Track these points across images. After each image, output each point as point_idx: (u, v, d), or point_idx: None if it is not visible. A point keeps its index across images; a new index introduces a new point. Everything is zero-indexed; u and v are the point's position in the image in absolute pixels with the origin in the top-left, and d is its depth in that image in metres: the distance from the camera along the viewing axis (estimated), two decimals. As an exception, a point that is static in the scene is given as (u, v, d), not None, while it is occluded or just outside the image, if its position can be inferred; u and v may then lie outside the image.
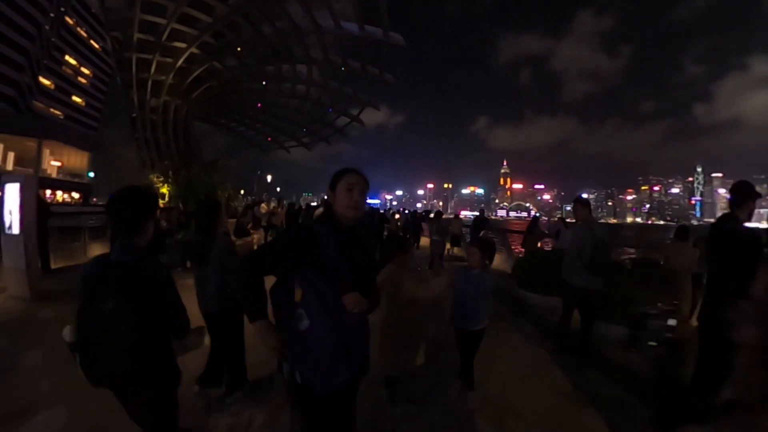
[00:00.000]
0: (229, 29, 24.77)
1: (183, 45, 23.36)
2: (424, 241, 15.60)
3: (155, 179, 21.19)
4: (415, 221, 16.39)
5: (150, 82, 23.16)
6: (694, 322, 5.37)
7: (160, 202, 20.42)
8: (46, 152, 55.97)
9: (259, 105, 32.72)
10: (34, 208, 6.69)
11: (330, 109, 34.19)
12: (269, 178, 55.40)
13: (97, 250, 11.02)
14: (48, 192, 55.42)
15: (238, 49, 24.99)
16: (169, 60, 22.97)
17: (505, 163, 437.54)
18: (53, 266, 8.92)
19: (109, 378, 1.81)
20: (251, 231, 12.36)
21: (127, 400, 1.92)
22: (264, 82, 29.08)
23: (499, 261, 12.21)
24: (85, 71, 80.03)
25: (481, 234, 13.25)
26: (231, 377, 3.35)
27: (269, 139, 43.21)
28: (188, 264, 8.77)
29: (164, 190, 20.50)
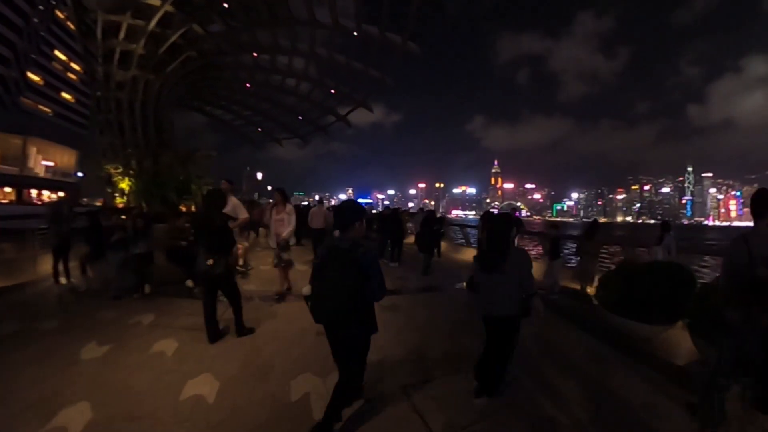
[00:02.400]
0: (215, -23, 20.03)
1: (157, 1, 18.07)
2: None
3: (112, 171, 17.19)
4: (432, 222, 13.10)
5: (118, 52, 18.37)
6: None
7: (118, 200, 17.26)
8: (33, 150, 54.87)
9: (248, 85, 27.00)
10: None
11: (333, 91, 28.16)
12: (260, 175, 53.40)
13: (50, 263, 8.53)
14: (34, 191, 54.38)
15: (225, 5, 19.44)
16: (140, 23, 18.08)
17: (496, 163, 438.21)
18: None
19: (326, 318, 2.93)
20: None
21: (335, 336, 3.04)
22: (255, 54, 23.14)
23: (539, 272, 11.56)
24: (76, 67, 78.50)
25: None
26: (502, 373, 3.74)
27: (260, 130, 37.12)
28: (147, 289, 7.22)
29: (123, 185, 16.53)
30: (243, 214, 6.93)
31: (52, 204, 8.81)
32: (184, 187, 12.62)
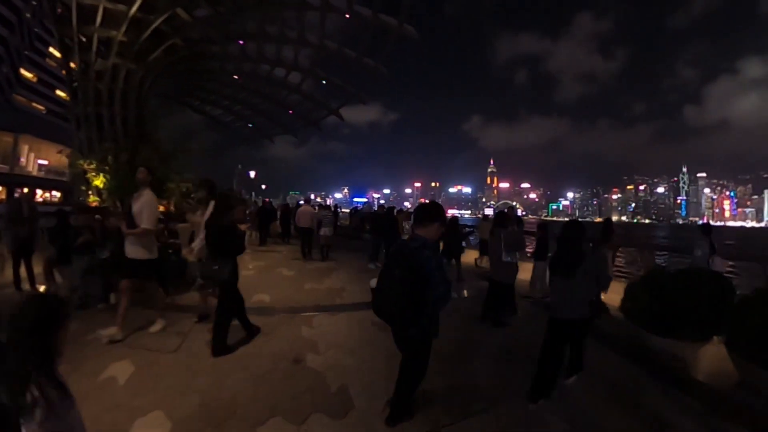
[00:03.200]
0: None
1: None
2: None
3: (86, 166, 15.36)
4: (455, 227, 10.36)
5: (95, 39, 16.71)
6: None
7: (92, 199, 16.03)
8: (25, 148, 53.96)
9: (236, 77, 24.95)
10: None
11: (324, 82, 25.22)
12: (252, 173, 51.58)
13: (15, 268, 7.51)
14: (25, 190, 53.51)
15: None
16: (121, 7, 16.18)
17: (491, 162, 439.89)
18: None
19: (386, 315, 2.91)
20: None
21: (397, 333, 3.08)
22: (241, 42, 21.18)
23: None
24: (71, 64, 77.37)
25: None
26: (577, 364, 3.99)
27: (250, 125, 34.61)
28: (114, 299, 6.26)
29: (98, 182, 15.08)
30: (146, 222, 4.89)
31: (10, 202, 7.91)
32: (158, 185, 11.20)
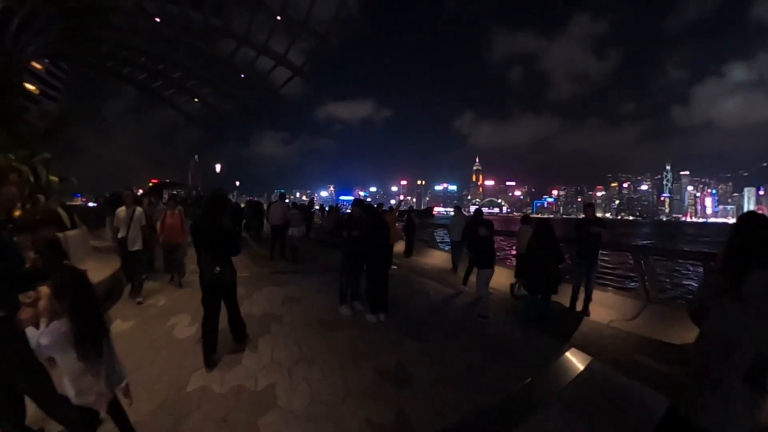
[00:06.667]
0: None
1: None
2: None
3: None
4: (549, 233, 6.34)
5: None
6: None
7: None
8: None
9: (157, 19, 18.11)
10: None
11: (279, 18, 18.84)
12: (218, 167, 44.33)
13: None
14: None
15: None
16: None
17: (477, 160, 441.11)
18: None
19: None
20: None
21: None
22: None
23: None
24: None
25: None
26: None
27: (196, 100, 26.34)
28: None
29: None
30: None
31: None
32: None
